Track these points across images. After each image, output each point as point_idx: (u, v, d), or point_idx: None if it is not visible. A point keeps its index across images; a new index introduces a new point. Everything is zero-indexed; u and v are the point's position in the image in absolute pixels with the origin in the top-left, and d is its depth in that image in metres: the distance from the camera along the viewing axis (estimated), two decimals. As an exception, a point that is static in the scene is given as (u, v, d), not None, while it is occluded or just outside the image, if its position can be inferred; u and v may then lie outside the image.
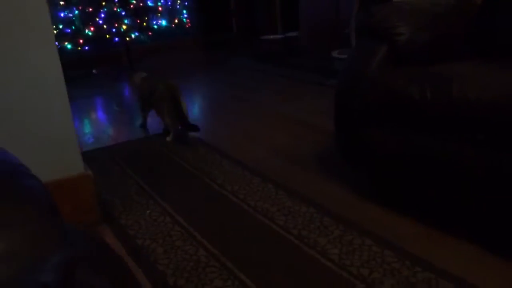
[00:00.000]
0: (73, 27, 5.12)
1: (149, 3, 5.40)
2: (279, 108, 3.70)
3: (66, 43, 5.12)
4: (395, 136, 1.88)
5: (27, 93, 1.89)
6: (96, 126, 3.78)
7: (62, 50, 5.05)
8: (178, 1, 5.69)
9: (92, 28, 5.18)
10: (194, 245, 1.91)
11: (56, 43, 2.56)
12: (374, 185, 2.27)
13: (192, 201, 2.30)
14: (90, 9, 5.16)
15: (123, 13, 5.21)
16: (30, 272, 0.55)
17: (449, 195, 1.80)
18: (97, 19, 5.19)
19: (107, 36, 5.33)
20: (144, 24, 5.38)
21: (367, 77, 1.94)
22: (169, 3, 5.61)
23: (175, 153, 2.92)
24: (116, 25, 5.20)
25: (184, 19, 5.83)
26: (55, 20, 4.91)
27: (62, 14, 5.10)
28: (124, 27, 5.24)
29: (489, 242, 1.73)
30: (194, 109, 4.22)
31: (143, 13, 5.34)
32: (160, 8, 5.48)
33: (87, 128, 3.69)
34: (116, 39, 5.40)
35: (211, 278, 1.69)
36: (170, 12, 5.61)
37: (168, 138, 3.15)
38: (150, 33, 5.77)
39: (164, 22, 5.56)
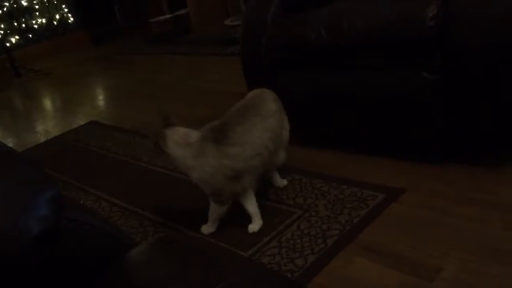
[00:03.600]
0: None
1: (23, 3, 5.07)
2: (189, 84, 3.76)
3: None
4: (301, 77, 2.06)
5: None
6: (-2, 138, 3.57)
7: None
8: (54, -3, 5.42)
9: (-35, 39, 4.80)
10: (137, 219, 1.96)
11: None
12: (292, 130, 2.45)
13: (124, 182, 2.32)
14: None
15: (-3, 18, 4.87)
16: (29, 209, 0.61)
17: (359, 121, 2.02)
18: (-31, 29, 4.81)
19: (-16, 45, 4.96)
20: (23, 25, 5.06)
21: (266, 28, 2.08)
22: (45, -1, 5.31)
23: (92, 145, 2.88)
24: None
25: (65, 15, 5.57)
26: None
27: None
28: (1, 32, 4.90)
29: (406, 153, 1.93)
30: (106, 101, 4.16)
31: (19, 14, 5.02)
32: (36, 6, 5.17)
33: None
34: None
35: (162, 241, 1.76)
36: (49, 9, 5.32)
37: None
38: (30, 35, 5.46)
39: (44, 20, 5.27)
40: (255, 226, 1.70)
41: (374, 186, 1.78)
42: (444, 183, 1.72)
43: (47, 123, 3.67)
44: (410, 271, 1.36)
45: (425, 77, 1.69)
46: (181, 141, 1.61)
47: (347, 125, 2.10)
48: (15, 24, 5.02)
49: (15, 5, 4.98)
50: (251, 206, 1.72)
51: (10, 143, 3.30)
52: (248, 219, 1.72)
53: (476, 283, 1.27)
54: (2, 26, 4.90)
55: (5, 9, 4.91)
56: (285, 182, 1.94)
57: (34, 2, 5.15)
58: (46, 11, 5.29)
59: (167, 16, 5.74)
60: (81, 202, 2.19)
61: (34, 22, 5.20)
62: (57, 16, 5.43)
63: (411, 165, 1.89)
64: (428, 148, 1.89)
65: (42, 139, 3.22)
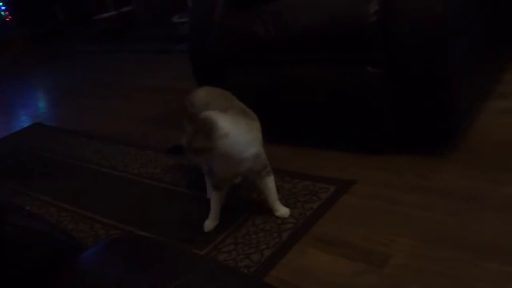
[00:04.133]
0: None
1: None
2: (138, 82, 3.68)
3: None
4: (250, 73, 2.07)
5: None
6: None
7: None
8: (-10, -7, 5.15)
9: None
10: (87, 223, 1.90)
11: None
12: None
13: (74, 186, 2.24)
14: None
15: None
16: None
17: (308, 115, 2.05)
18: None
19: None
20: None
21: (213, 25, 2.07)
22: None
23: (37, 148, 2.77)
24: None
25: (3, 13, 5.31)
26: None
27: None
28: None
29: (356, 146, 1.98)
30: (50, 102, 4.00)
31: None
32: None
33: None
34: None
35: (115, 244, 1.72)
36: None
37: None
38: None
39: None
40: (210, 224, 1.69)
41: (325, 179, 1.82)
42: (392, 173, 1.78)
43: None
44: (361, 259, 1.40)
45: (369, 71, 1.74)
46: (233, 120, 1.49)
47: (297, 119, 2.13)
48: None
49: None
50: (217, 204, 1.69)
51: None
52: (204, 218, 1.71)
53: (426, 267, 1.33)
54: None
55: None
56: (239, 178, 1.94)
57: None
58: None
59: (112, 13, 5.58)
60: (28, 208, 2.10)
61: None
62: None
63: (361, 156, 1.94)
64: (376, 139, 1.95)
65: (-18, 144, 3.05)
